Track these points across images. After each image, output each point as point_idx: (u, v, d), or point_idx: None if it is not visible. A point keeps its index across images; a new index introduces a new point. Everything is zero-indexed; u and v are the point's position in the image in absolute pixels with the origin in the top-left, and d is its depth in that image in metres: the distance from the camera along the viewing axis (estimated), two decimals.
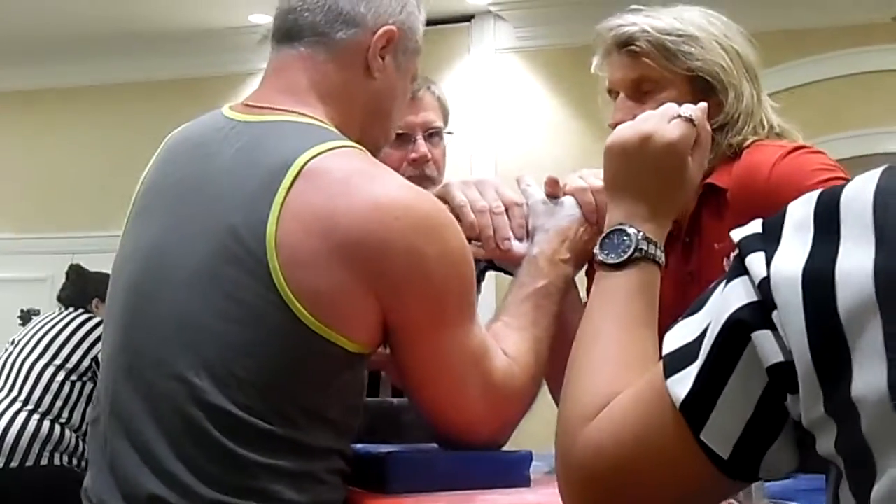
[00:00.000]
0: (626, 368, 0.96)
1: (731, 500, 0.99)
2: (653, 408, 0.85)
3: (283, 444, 1.25)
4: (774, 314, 0.77)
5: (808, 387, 0.76)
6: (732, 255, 0.84)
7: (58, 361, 4.18)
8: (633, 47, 1.66)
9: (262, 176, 1.29)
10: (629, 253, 1.07)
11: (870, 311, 0.72)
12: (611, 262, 1.08)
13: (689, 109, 1.18)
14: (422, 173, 2.05)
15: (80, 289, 4.49)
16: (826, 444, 0.76)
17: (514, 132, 6.30)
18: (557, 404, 1.50)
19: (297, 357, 1.26)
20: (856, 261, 0.73)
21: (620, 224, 1.11)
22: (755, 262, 0.79)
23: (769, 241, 0.80)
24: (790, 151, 1.59)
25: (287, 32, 1.45)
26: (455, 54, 6.41)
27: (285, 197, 1.26)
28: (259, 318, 1.25)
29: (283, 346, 1.25)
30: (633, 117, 1.61)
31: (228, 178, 1.32)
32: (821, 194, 0.79)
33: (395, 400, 1.67)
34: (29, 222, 7.01)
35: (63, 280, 4.68)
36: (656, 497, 0.87)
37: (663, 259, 1.10)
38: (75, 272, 4.62)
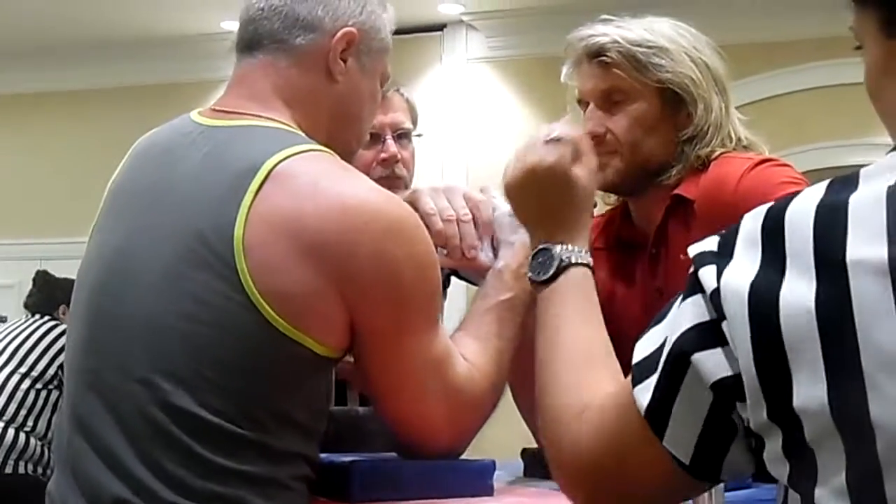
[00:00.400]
0: (589, 366, 1.05)
1: None
2: (625, 413, 0.92)
3: (251, 448, 1.24)
4: (724, 324, 0.83)
5: (753, 393, 0.81)
6: (689, 270, 0.89)
7: (23, 369, 4.15)
8: (603, 58, 1.66)
9: (230, 180, 1.29)
10: (555, 264, 1.17)
11: (811, 339, 0.78)
12: (543, 278, 1.17)
13: (554, 129, 1.26)
14: (392, 173, 2.06)
15: (47, 295, 4.45)
16: (774, 447, 0.82)
17: (485, 141, 6.32)
18: (521, 411, 1.51)
19: (267, 359, 1.25)
20: (798, 293, 0.78)
21: (541, 245, 1.20)
22: (707, 274, 0.86)
23: (722, 255, 0.85)
24: (757, 164, 1.60)
25: (248, 42, 1.44)
26: (427, 63, 6.43)
27: (253, 200, 1.26)
28: (227, 321, 1.24)
29: (252, 349, 1.25)
30: (604, 127, 1.64)
31: (195, 182, 1.32)
32: (769, 210, 0.84)
33: (360, 409, 1.67)
34: None
35: (30, 287, 4.64)
36: (635, 493, 0.95)
37: (590, 259, 1.20)
38: (42, 279, 4.58)
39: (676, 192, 1.64)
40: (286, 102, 1.41)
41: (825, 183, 0.83)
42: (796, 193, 0.84)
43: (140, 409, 1.25)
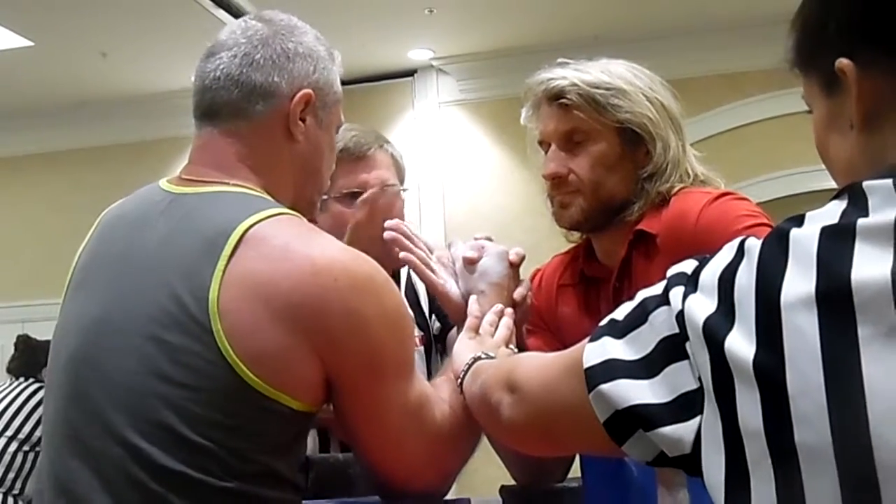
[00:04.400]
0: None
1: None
2: (563, 371, 1.06)
3: (239, 499, 1.26)
4: (687, 344, 0.91)
5: (712, 409, 0.88)
6: (661, 283, 0.96)
7: (9, 433, 4.15)
8: (563, 100, 1.70)
9: (203, 244, 1.32)
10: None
11: (750, 378, 0.84)
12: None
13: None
14: None
15: (29, 359, 4.46)
16: (715, 473, 0.87)
17: (460, 182, 6.37)
18: (496, 449, 1.54)
19: (245, 418, 1.27)
20: (742, 348, 0.85)
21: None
22: (675, 295, 0.94)
23: (691, 282, 0.93)
24: (716, 198, 1.63)
25: (207, 111, 1.47)
26: (400, 109, 6.49)
27: (227, 264, 1.29)
28: (206, 382, 1.26)
29: (231, 408, 1.27)
30: (566, 168, 1.68)
31: (168, 248, 1.34)
32: (725, 269, 0.90)
33: (341, 455, 1.69)
34: None
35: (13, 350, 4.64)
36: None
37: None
38: (23, 343, 4.58)
39: (639, 227, 1.68)
40: (251, 168, 1.44)
41: (758, 244, 0.89)
42: (769, 227, 0.90)
43: (125, 471, 1.26)
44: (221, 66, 1.45)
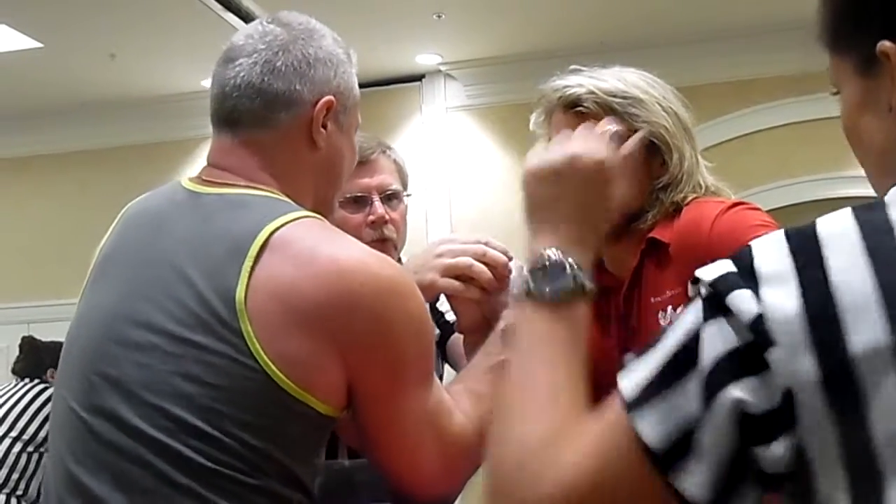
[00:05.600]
0: (559, 400, 0.93)
1: None
2: (618, 443, 0.83)
3: (260, 495, 1.26)
4: (773, 351, 0.78)
5: (812, 419, 0.77)
6: (699, 293, 0.84)
7: (14, 433, 4.15)
8: (580, 108, 1.68)
9: (228, 246, 1.31)
10: (570, 290, 1.00)
11: (885, 372, 0.75)
12: (548, 299, 0.99)
13: (612, 124, 1.27)
14: (381, 235, 2.06)
15: (34, 360, 4.46)
16: (832, 487, 0.77)
17: (467, 187, 6.37)
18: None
19: (273, 419, 1.27)
20: (867, 335, 0.75)
21: (552, 252, 1.04)
22: (741, 299, 0.80)
23: (747, 278, 0.81)
24: (730, 207, 1.62)
25: (227, 119, 1.45)
26: (407, 113, 6.49)
27: (253, 266, 1.29)
28: (234, 382, 1.26)
29: (260, 409, 1.27)
30: None
31: (191, 246, 1.34)
32: (788, 237, 0.82)
33: (347, 462, 1.69)
34: None
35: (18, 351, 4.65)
36: None
37: (594, 287, 1.02)
38: (28, 344, 4.59)
39: (651, 235, 1.67)
40: (272, 175, 1.43)
41: (847, 212, 0.82)
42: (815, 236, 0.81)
43: (148, 465, 1.25)
44: (242, 74, 1.43)
